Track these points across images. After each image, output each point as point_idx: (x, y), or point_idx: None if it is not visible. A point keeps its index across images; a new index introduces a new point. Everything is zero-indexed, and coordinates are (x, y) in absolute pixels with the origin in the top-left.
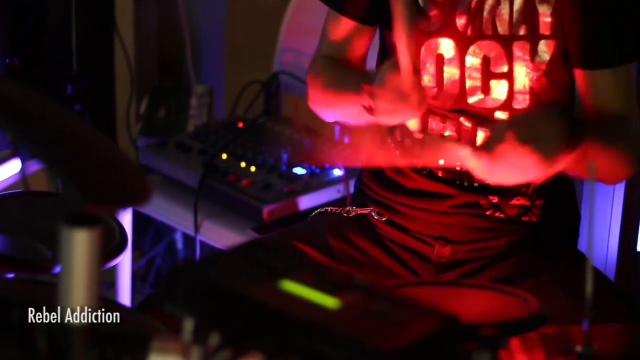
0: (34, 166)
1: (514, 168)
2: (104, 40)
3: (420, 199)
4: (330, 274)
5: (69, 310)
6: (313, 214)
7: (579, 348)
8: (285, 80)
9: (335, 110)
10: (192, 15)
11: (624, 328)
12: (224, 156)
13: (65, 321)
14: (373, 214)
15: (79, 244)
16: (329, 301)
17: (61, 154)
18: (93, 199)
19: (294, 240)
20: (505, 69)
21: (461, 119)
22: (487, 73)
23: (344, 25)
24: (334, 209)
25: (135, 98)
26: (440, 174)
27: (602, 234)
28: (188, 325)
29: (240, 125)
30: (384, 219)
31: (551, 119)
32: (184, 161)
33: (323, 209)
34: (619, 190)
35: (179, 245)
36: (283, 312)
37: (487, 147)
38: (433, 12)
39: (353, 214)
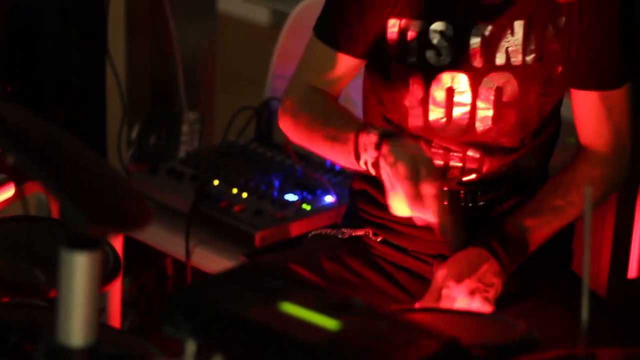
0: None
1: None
2: (96, 66)
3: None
4: (329, 295)
5: (69, 332)
6: (307, 236)
7: None
8: (277, 107)
9: (317, 148)
10: (184, 42)
11: (622, 352)
12: (216, 182)
13: (65, 344)
14: (369, 234)
15: (80, 267)
16: (330, 323)
17: (63, 177)
18: (95, 222)
19: (288, 263)
20: (516, 97)
21: (469, 152)
22: (499, 103)
23: (333, 57)
24: (328, 231)
25: (127, 125)
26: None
27: (593, 261)
28: (190, 347)
29: (232, 151)
30: (379, 239)
31: (484, 262)
32: (176, 187)
33: (317, 231)
34: (610, 216)
35: (170, 271)
36: (285, 333)
37: (433, 300)
38: (444, 47)
39: (347, 235)
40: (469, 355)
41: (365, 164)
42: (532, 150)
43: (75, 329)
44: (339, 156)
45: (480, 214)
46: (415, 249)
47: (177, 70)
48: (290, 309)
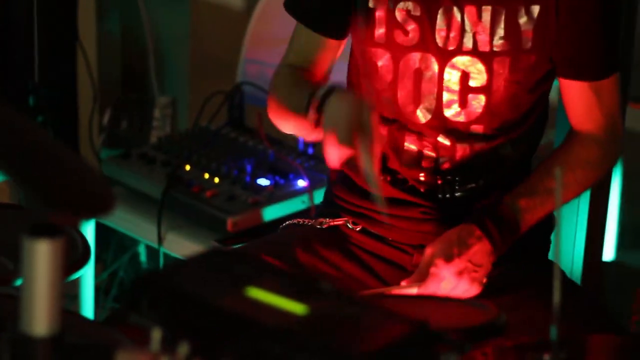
0: None
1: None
2: (67, 51)
3: (399, 207)
4: (297, 280)
5: (32, 321)
6: (282, 225)
7: (547, 357)
8: (249, 91)
9: (285, 123)
10: (155, 26)
11: (596, 336)
12: (188, 167)
13: (29, 333)
14: (348, 224)
15: (42, 255)
16: (297, 307)
17: (24, 165)
18: (57, 209)
19: (262, 254)
20: (484, 83)
21: (439, 137)
22: (466, 88)
23: (312, 38)
24: (304, 220)
25: (98, 110)
26: (422, 189)
27: (568, 244)
28: (156, 335)
29: (204, 136)
30: (358, 229)
31: (475, 241)
32: (147, 173)
33: (294, 221)
34: (584, 200)
35: (143, 257)
36: (252, 319)
37: (420, 278)
38: (411, 27)
39: (326, 225)
40: (437, 338)
41: (312, 121)
42: (512, 142)
43: (39, 318)
44: (300, 127)
45: (459, 206)
46: (395, 239)
47: (148, 55)
48: (258, 294)
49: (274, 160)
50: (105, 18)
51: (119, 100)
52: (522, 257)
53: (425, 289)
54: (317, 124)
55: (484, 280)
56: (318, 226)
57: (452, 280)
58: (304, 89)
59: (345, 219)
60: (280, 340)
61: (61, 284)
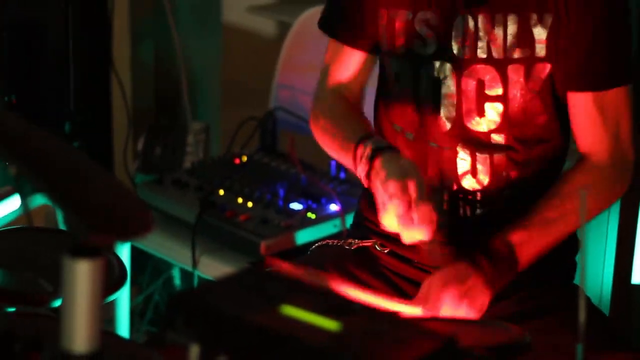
0: (35, 203)
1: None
2: (101, 78)
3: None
4: (329, 298)
5: (72, 339)
6: (313, 247)
7: None
8: (282, 117)
9: (331, 153)
10: (188, 53)
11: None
12: (221, 192)
13: (69, 350)
14: (376, 246)
15: (82, 275)
16: (330, 324)
17: (65, 187)
18: (97, 230)
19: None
20: (500, 91)
21: (459, 147)
22: (482, 96)
23: (347, 55)
24: (334, 241)
25: (133, 136)
26: (444, 207)
27: (596, 266)
28: (194, 351)
29: (237, 161)
30: (386, 251)
31: (477, 277)
32: (181, 198)
33: (323, 242)
34: (613, 221)
35: (177, 281)
36: (286, 335)
37: (423, 302)
38: (429, 35)
39: (355, 246)
40: (466, 354)
41: (361, 175)
42: (533, 160)
43: (79, 336)
44: (348, 165)
45: (480, 226)
46: (421, 261)
47: (181, 82)
48: (291, 311)
49: (307, 185)
50: (139, 45)
51: (152, 126)
52: (546, 281)
53: (426, 312)
54: (367, 178)
55: (483, 310)
56: (347, 247)
57: (450, 308)
58: (351, 125)
59: (374, 240)
60: (313, 356)
61: (100, 303)
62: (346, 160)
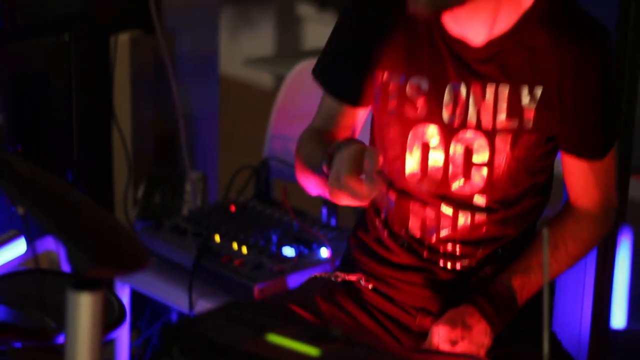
0: (40, 248)
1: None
2: (103, 128)
3: (403, 272)
4: (310, 326)
5: None
6: (305, 280)
7: None
8: (275, 166)
9: (307, 182)
10: (186, 103)
11: None
12: (217, 238)
13: None
14: (361, 281)
15: (85, 306)
16: (312, 350)
17: (69, 224)
18: (98, 265)
19: (287, 303)
20: (486, 158)
21: (442, 206)
22: (469, 162)
23: (334, 104)
24: (324, 274)
25: (133, 184)
26: (424, 256)
27: (575, 311)
28: None
29: (233, 208)
30: (370, 287)
31: (475, 323)
32: (179, 243)
33: (315, 275)
34: (590, 265)
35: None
36: None
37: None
38: (420, 101)
39: (340, 279)
40: None
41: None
42: (512, 217)
43: None
44: (319, 183)
45: (459, 274)
46: (401, 300)
47: (180, 131)
48: (277, 339)
49: (299, 231)
50: (139, 96)
51: (152, 174)
52: (522, 322)
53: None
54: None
55: (484, 350)
56: (334, 279)
57: (449, 345)
58: (322, 148)
59: (359, 275)
60: None
61: (101, 335)
62: (317, 178)
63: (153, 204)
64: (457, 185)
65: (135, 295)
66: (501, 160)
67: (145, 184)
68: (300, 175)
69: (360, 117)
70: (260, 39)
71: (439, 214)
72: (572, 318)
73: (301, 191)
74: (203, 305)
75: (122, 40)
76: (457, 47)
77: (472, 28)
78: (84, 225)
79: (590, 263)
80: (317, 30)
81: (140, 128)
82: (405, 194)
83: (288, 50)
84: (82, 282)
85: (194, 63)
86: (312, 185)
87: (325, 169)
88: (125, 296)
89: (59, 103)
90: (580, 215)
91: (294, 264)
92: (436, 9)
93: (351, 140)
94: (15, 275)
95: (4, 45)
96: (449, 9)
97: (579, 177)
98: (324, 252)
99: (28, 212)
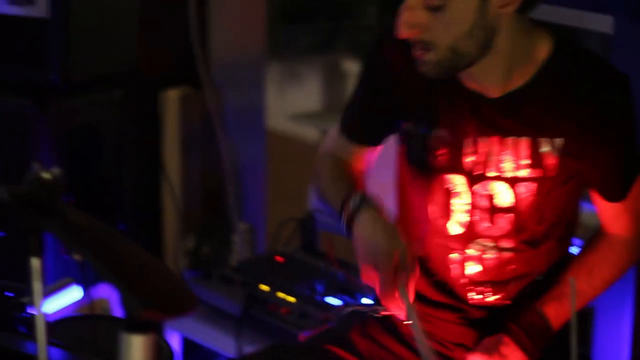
0: (94, 295)
1: None
2: (153, 181)
3: (438, 309)
4: None
5: None
6: (342, 315)
7: None
8: (320, 218)
9: (328, 208)
10: (234, 156)
11: None
12: (265, 288)
13: None
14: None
15: (137, 348)
16: None
17: (121, 269)
18: (149, 308)
19: (323, 342)
20: (510, 204)
21: (468, 248)
22: (493, 207)
23: (357, 150)
24: (361, 308)
25: (182, 235)
26: (456, 294)
27: (613, 336)
28: None
29: (279, 259)
30: (405, 322)
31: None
32: (228, 292)
33: (353, 309)
34: (629, 290)
35: None
36: None
37: None
38: (442, 151)
39: (380, 314)
40: None
41: (345, 232)
42: (540, 254)
43: None
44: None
45: (491, 310)
46: (438, 335)
47: (228, 184)
48: None
49: (343, 282)
50: (188, 149)
51: (201, 226)
52: (558, 353)
53: None
54: (350, 236)
55: None
56: (373, 314)
57: None
58: (342, 186)
59: None
60: None
61: None
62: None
63: (202, 255)
64: (483, 229)
65: (185, 342)
66: (525, 205)
67: (194, 235)
68: (321, 199)
69: (378, 149)
70: (306, 93)
71: (466, 255)
72: (611, 342)
73: (346, 243)
74: (250, 351)
75: (172, 97)
76: (475, 99)
77: (488, 82)
78: (136, 270)
79: (627, 291)
80: None
81: (189, 180)
82: (434, 238)
83: (333, 105)
84: (134, 325)
85: (241, 117)
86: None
87: (345, 224)
88: (175, 343)
89: (110, 156)
90: (613, 240)
91: (339, 313)
92: (444, 72)
93: (368, 199)
94: (71, 320)
95: (59, 101)
96: (457, 72)
97: (608, 209)
98: (367, 302)
99: (84, 259)
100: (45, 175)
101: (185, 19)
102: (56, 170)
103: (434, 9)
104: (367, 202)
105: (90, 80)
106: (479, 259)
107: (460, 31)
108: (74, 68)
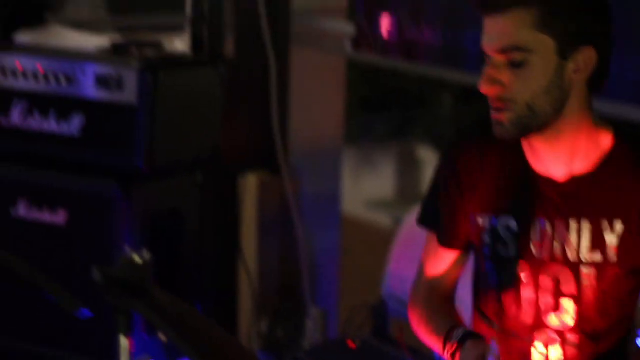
0: None
1: None
2: (230, 264)
3: None
4: None
5: None
6: None
7: None
8: (392, 305)
9: (425, 340)
10: (310, 242)
11: None
12: None
13: None
14: None
15: None
16: None
17: (203, 347)
18: None
19: None
20: (573, 291)
21: (536, 342)
22: (558, 292)
23: (442, 252)
24: None
25: (257, 317)
26: None
27: None
28: None
29: (351, 344)
30: None
31: None
32: None
33: None
34: None
35: None
36: None
37: None
38: (510, 239)
39: None
40: None
41: None
42: (602, 354)
43: None
44: (440, 353)
45: None
46: None
47: (302, 268)
48: None
49: None
50: (265, 234)
51: (275, 309)
52: None
53: None
54: None
55: None
56: None
57: None
58: (443, 322)
59: None
60: None
61: None
62: (438, 349)
63: (275, 338)
64: (549, 318)
65: None
66: (589, 293)
67: (269, 318)
68: (419, 330)
69: (464, 262)
70: (381, 180)
71: (532, 346)
72: None
73: None
74: None
75: (250, 181)
76: (541, 183)
77: (553, 165)
78: (216, 348)
79: None
80: None
81: (265, 264)
82: (503, 330)
83: (407, 192)
84: None
85: (317, 203)
86: (430, 345)
87: (449, 356)
88: None
89: (191, 238)
90: None
91: None
92: (520, 132)
93: (472, 335)
94: None
95: (143, 184)
96: (529, 133)
97: None
98: None
99: (169, 337)
100: (137, 258)
101: (266, 105)
102: (146, 254)
103: (517, 65)
104: (469, 334)
105: (172, 165)
106: (544, 356)
107: (538, 87)
108: (159, 153)
